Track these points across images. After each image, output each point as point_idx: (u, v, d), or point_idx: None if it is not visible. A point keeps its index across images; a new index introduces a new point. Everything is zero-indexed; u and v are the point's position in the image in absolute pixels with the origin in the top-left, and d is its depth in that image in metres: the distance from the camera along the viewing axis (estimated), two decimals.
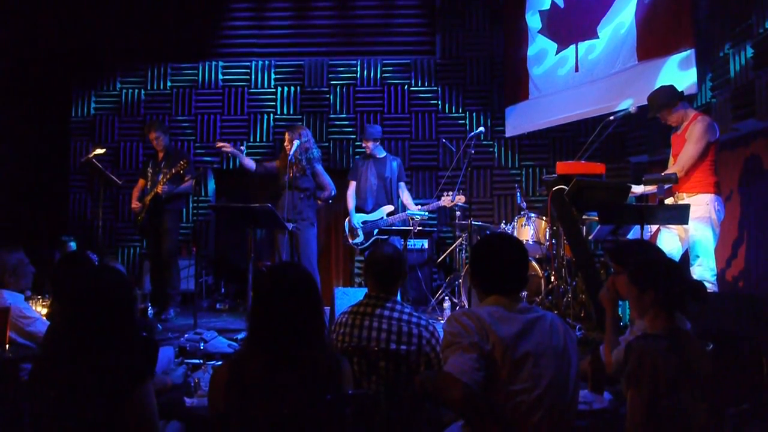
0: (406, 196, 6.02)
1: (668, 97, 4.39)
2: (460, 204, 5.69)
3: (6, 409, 2.98)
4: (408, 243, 5.62)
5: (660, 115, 4.48)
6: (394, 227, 5.69)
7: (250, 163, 5.85)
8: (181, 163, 5.57)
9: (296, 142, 5.35)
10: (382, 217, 5.86)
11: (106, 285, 2.08)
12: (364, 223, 5.92)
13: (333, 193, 5.63)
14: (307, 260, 5.40)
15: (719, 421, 2.14)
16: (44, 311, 3.71)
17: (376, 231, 5.88)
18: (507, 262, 2.15)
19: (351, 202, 6.03)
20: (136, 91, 7.65)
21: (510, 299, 2.11)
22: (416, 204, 6.01)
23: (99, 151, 5.83)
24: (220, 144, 5.81)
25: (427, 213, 5.86)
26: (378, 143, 6.00)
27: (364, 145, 6.04)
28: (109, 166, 7.16)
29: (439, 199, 5.77)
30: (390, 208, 5.90)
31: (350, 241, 6.08)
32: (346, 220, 6.12)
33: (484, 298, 2.17)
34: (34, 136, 7.45)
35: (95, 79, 7.66)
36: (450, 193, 5.66)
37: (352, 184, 6.07)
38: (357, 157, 6.39)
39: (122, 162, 7.54)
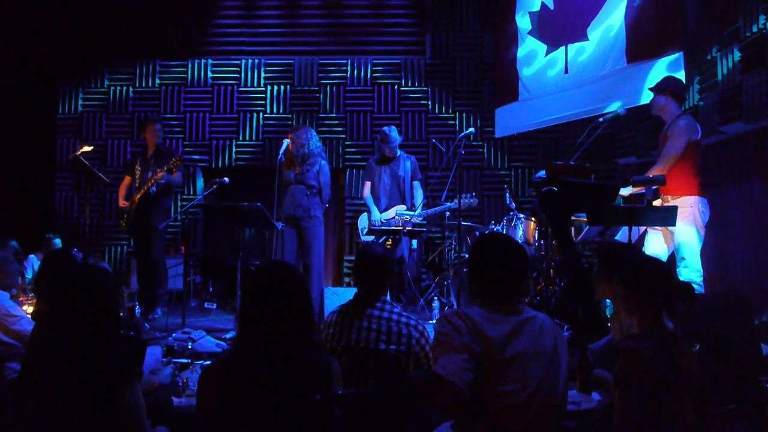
0: (416, 196, 6.01)
1: (663, 84, 4.47)
2: (474, 204, 5.63)
3: None
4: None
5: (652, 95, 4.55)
6: (389, 227, 5.67)
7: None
8: (175, 159, 5.57)
9: (293, 138, 5.33)
10: (394, 217, 5.86)
11: (91, 285, 2.07)
12: (383, 222, 5.93)
13: (327, 198, 5.48)
14: (317, 258, 5.31)
15: (706, 421, 2.16)
16: (30, 310, 3.67)
17: (364, 231, 5.88)
18: (505, 270, 2.10)
19: (370, 200, 6.04)
20: (124, 88, 7.59)
21: (502, 302, 2.08)
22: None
23: (86, 148, 5.79)
24: None
25: (416, 214, 5.82)
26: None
27: (387, 150, 5.99)
28: (97, 163, 7.09)
29: (451, 200, 5.70)
30: (402, 207, 5.89)
31: (362, 238, 6.08)
32: (361, 216, 6.13)
33: (477, 298, 2.15)
34: (21, 133, 7.36)
35: (83, 76, 7.59)
36: (466, 195, 5.54)
37: (368, 185, 6.09)
38: (371, 157, 6.36)
39: (110, 160, 7.48)
